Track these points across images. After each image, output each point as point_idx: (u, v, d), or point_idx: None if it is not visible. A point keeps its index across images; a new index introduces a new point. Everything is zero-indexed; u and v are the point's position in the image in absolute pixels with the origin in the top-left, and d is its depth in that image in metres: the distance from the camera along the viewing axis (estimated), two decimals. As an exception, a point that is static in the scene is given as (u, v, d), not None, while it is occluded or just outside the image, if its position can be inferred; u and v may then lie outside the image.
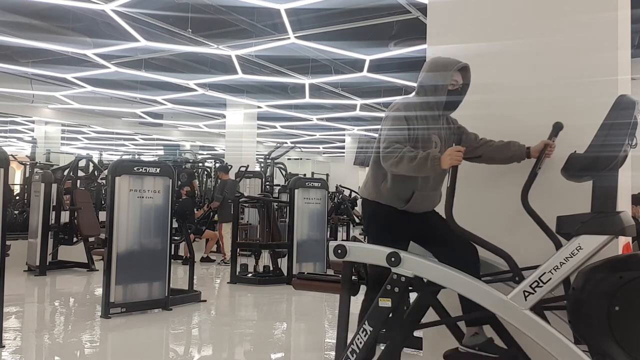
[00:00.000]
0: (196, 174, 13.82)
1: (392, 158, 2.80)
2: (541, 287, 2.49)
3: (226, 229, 9.90)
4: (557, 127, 2.97)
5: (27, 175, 12.77)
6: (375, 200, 3.08)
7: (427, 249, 3.09)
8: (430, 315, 2.96)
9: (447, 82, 2.96)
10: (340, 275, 3.22)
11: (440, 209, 3.17)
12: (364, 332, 2.75)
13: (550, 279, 2.48)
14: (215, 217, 10.66)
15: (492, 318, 2.84)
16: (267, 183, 14.11)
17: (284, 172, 16.48)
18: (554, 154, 2.97)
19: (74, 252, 9.01)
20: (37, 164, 12.63)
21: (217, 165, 14.76)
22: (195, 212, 10.43)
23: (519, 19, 3.38)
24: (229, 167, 11.21)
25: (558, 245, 2.68)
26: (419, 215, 3.06)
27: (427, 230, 3.06)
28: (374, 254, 2.79)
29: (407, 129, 2.91)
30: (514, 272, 2.68)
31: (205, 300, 6.58)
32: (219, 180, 10.93)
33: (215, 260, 10.26)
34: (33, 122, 17.37)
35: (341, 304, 2.91)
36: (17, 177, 17.60)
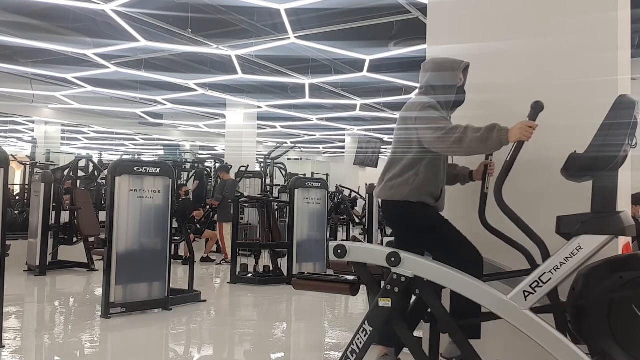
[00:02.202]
0: (205, 174, 13.83)
1: (454, 135, 2.70)
2: (541, 287, 2.49)
3: (227, 229, 9.90)
4: (538, 108, 2.73)
5: (27, 175, 12.77)
6: (406, 200, 2.97)
7: (432, 250, 3.08)
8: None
9: (455, 81, 3.00)
10: (340, 276, 3.24)
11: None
12: (364, 332, 2.75)
13: (550, 279, 2.48)
14: (216, 217, 10.67)
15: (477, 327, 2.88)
16: (268, 184, 14.12)
17: (284, 172, 16.48)
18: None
19: (74, 252, 9.01)
20: (37, 164, 12.63)
21: (217, 165, 14.77)
22: (195, 212, 10.41)
23: (519, 19, 3.38)
24: (230, 166, 11.22)
25: (541, 247, 2.67)
26: (440, 215, 3.09)
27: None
28: (374, 254, 2.80)
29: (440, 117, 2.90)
30: (534, 269, 2.68)
31: (205, 300, 6.58)
32: (219, 180, 10.93)
33: (215, 260, 10.26)
34: (33, 122, 17.36)
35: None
36: (17, 177, 17.60)
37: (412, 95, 11.23)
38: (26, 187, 12.21)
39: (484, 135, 2.64)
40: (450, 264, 2.73)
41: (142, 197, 5.85)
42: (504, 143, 2.66)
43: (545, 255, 2.61)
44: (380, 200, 3.17)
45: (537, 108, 2.72)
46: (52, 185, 8.65)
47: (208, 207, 10.81)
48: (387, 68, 9.74)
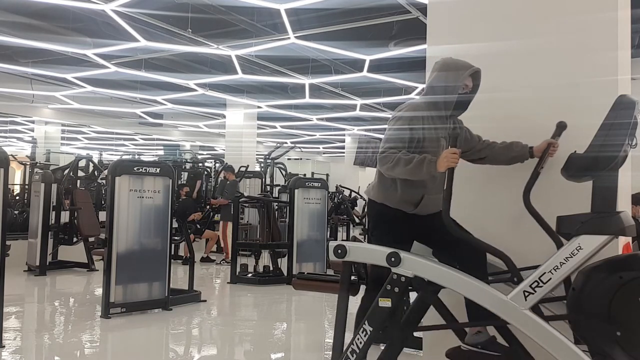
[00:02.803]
0: (204, 174, 13.82)
1: (388, 162, 2.80)
2: (541, 287, 2.49)
3: (230, 228, 9.89)
4: (561, 127, 2.98)
5: (27, 175, 12.77)
6: (384, 203, 3.06)
7: (433, 250, 3.09)
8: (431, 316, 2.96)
9: (457, 83, 2.96)
10: (340, 276, 3.22)
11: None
12: (364, 332, 2.75)
13: (550, 279, 2.48)
14: (216, 217, 10.66)
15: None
16: (268, 184, 14.11)
17: (284, 172, 16.48)
18: (555, 153, 2.98)
19: (74, 252, 9.01)
20: (37, 164, 12.63)
21: (218, 165, 14.77)
22: (195, 214, 10.40)
23: (519, 19, 3.38)
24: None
25: (559, 246, 2.68)
26: (425, 217, 3.07)
27: (434, 232, 3.06)
28: (374, 254, 2.79)
29: (409, 129, 2.90)
30: (513, 272, 2.68)
31: (205, 300, 6.59)
32: (221, 180, 10.93)
33: (215, 260, 10.26)
34: (33, 122, 17.36)
35: (339, 304, 2.90)
36: (17, 177, 17.61)
37: (413, 95, 11.27)
38: (26, 187, 12.21)
39: (415, 166, 2.73)
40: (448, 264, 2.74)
41: (142, 197, 5.85)
42: (434, 173, 2.75)
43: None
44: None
45: (561, 127, 3.00)
46: (54, 185, 8.66)
47: (208, 207, 10.81)
48: (387, 68, 9.73)
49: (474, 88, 3.05)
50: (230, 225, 9.88)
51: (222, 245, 10.47)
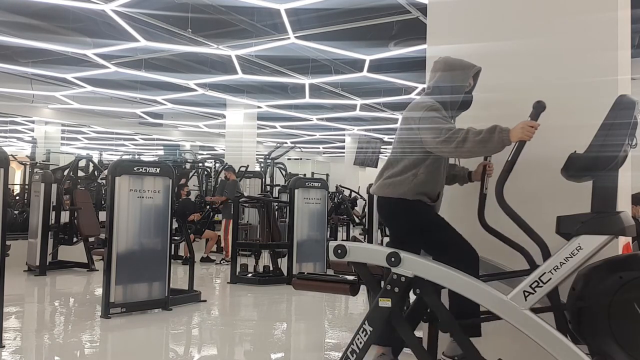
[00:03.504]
0: (195, 174, 13.80)
1: (455, 139, 2.73)
2: (541, 287, 2.49)
3: (231, 226, 9.88)
4: (539, 107, 2.73)
5: (27, 175, 12.77)
6: (401, 197, 3.00)
7: (428, 248, 3.09)
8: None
9: (465, 82, 3.00)
10: (340, 276, 3.23)
11: (443, 209, 3.19)
12: (364, 332, 2.75)
13: (550, 279, 2.48)
14: (217, 217, 10.66)
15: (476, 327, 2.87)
16: (268, 184, 14.11)
17: (284, 172, 16.48)
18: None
19: (74, 252, 9.01)
20: (37, 164, 12.63)
21: (217, 165, 14.77)
22: (194, 214, 10.39)
23: (519, 19, 3.38)
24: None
25: (541, 246, 2.67)
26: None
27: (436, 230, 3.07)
28: (374, 254, 2.79)
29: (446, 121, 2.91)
30: (533, 269, 2.67)
31: (205, 300, 6.58)
32: (221, 180, 10.94)
33: (215, 260, 10.26)
34: (33, 122, 17.36)
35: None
36: (17, 177, 17.60)
37: (413, 95, 11.26)
38: (26, 187, 12.21)
39: (486, 136, 2.66)
40: (446, 264, 2.73)
41: (142, 197, 5.85)
42: (506, 144, 2.67)
43: (546, 255, 2.61)
44: (375, 197, 3.19)
45: (539, 108, 2.72)
46: (54, 185, 8.65)
47: (208, 207, 10.81)
48: (387, 68, 9.74)
49: (473, 87, 3.09)
50: (231, 222, 9.87)
51: (223, 244, 10.47)
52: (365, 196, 10.83)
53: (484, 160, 3.10)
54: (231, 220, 9.87)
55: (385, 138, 19.86)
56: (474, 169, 3.23)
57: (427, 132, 2.85)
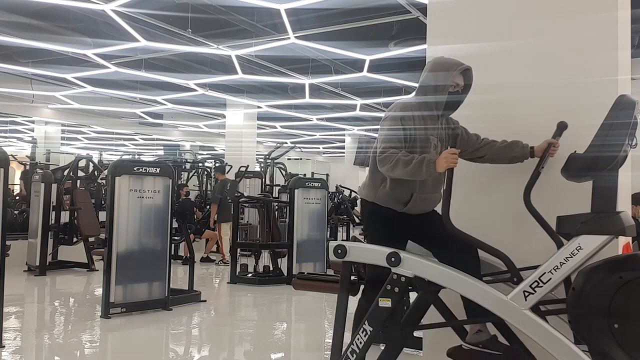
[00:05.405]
0: (195, 174, 13.79)
1: (388, 163, 2.80)
2: (541, 287, 2.49)
3: (225, 229, 9.90)
4: (562, 127, 2.98)
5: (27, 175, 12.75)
6: (374, 202, 3.08)
7: (427, 249, 3.09)
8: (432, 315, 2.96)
9: (447, 82, 2.94)
10: (340, 276, 3.21)
11: (439, 209, 3.18)
12: (364, 332, 2.75)
13: (551, 279, 2.48)
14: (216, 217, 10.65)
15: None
16: (268, 184, 14.10)
17: (284, 172, 16.47)
18: (556, 153, 2.98)
19: (74, 252, 9.01)
20: (37, 164, 12.62)
21: (217, 165, 14.76)
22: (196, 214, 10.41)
23: (519, 19, 3.38)
24: (230, 166, 11.21)
25: (560, 246, 2.68)
26: (418, 216, 3.06)
27: (427, 231, 3.06)
28: (374, 254, 2.79)
29: (402, 129, 2.90)
30: (512, 273, 2.67)
31: (205, 300, 6.58)
32: (217, 181, 10.94)
33: (215, 260, 10.26)
34: (33, 122, 17.35)
35: (339, 304, 2.90)
36: (17, 177, 17.60)
37: (412, 96, 11.24)
38: (23, 192, 12.20)
39: (414, 168, 2.73)
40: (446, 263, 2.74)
41: (142, 197, 5.85)
42: (434, 174, 2.74)
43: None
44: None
45: (561, 127, 2.99)
46: (54, 185, 8.65)
47: (208, 207, 10.81)
48: (387, 68, 9.73)
49: (466, 87, 3.03)
50: (224, 225, 9.87)
51: (219, 245, 10.47)
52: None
53: (551, 139, 3.03)
54: (222, 224, 9.87)
55: (385, 138, 19.79)
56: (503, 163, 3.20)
57: (378, 144, 2.93)
